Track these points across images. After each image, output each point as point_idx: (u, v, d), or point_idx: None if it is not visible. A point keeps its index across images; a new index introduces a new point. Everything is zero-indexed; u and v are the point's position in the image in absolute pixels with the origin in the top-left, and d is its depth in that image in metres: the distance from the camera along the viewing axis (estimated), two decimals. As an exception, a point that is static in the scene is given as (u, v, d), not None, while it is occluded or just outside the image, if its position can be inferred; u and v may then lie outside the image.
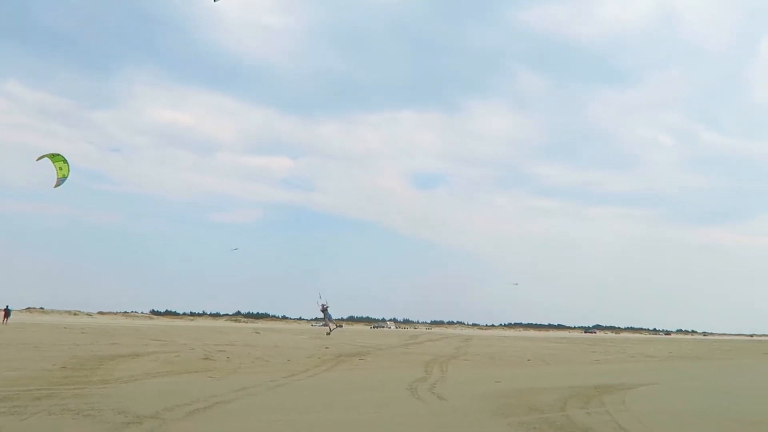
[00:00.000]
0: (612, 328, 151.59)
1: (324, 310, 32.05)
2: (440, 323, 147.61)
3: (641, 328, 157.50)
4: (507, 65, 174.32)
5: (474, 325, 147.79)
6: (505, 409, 9.55)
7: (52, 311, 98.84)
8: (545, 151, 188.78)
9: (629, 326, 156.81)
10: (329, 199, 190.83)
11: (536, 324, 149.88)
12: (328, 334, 35.01)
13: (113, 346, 20.11)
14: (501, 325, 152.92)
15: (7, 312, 46.22)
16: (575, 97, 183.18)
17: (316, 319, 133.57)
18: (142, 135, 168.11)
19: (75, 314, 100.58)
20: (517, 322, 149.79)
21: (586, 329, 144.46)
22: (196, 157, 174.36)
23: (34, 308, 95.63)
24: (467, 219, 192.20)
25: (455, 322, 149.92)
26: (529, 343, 42.16)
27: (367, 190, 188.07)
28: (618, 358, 26.90)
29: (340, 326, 32.28)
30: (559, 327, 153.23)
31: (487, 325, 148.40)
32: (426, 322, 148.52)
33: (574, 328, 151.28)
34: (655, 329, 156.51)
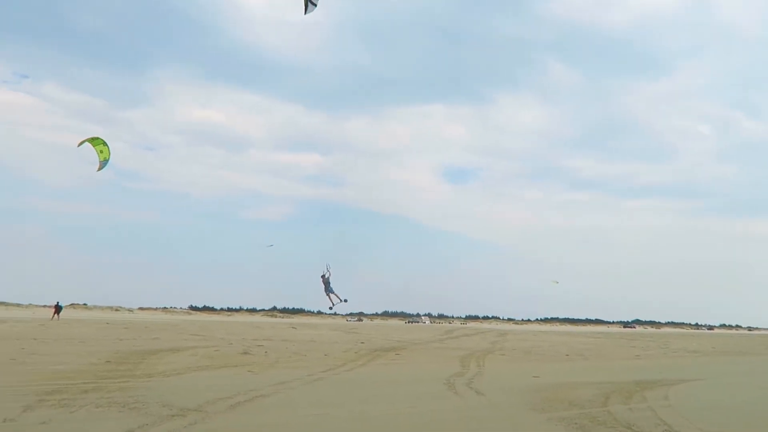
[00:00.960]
0: (652, 323, 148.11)
1: (326, 281, 30.50)
2: (475, 318, 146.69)
3: (683, 323, 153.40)
4: (536, 56, 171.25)
5: (509, 319, 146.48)
6: (544, 404, 9.44)
7: (95, 307, 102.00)
8: (578, 143, 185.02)
9: (670, 321, 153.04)
10: (359, 194, 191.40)
11: (573, 319, 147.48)
12: (331, 308, 33.42)
13: (154, 341, 20.61)
14: (537, 319, 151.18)
15: (57, 308, 47.91)
16: (607, 88, 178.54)
17: (350, 314, 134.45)
18: (174, 133, 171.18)
19: (116, 310, 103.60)
20: (554, 316, 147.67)
21: (626, 324, 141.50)
22: (227, 154, 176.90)
23: (77, 304, 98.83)
24: (500, 213, 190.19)
25: (490, 316, 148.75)
26: (567, 338, 41.53)
27: (397, 185, 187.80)
28: (659, 353, 26.29)
29: (345, 300, 30.44)
30: (597, 322, 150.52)
31: (522, 320, 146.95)
32: (461, 317, 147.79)
33: (613, 323, 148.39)
34: (697, 324, 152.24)
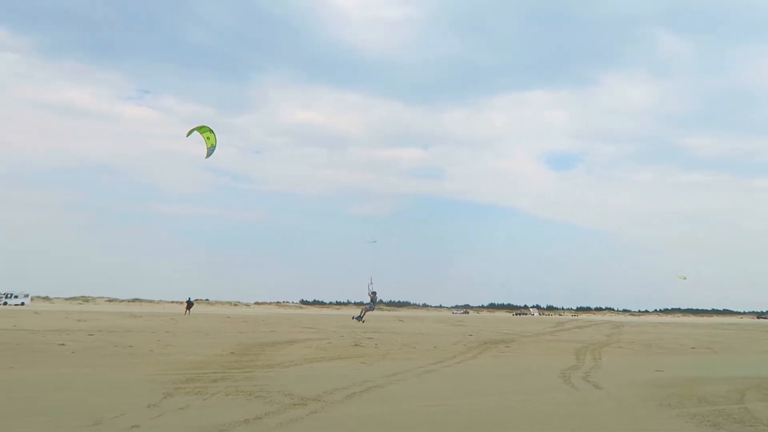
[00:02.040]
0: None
1: (373, 297, 29.86)
2: (587, 310, 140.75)
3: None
4: (643, 30, 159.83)
5: (625, 311, 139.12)
6: (671, 399, 8.89)
7: (216, 302, 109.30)
8: (694, 119, 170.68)
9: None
10: (461, 186, 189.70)
11: (697, 309, 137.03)
12: (356, 318, 30.02)
13: (271, 333, 21.73)
14: (655, 310, 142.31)
15: (189, 304, 51.94)
16: (726, 57, 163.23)
17: (456, 307, 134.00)
18: (279, 135, 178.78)
19: (235, 305, 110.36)
20: (675, 307, 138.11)
21: (759, 315, 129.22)
22: (330, 153, 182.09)
23: (200, 300, 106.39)
24: (608, 198, 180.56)
25: (603, 308, 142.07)
26: (691, 329, 38.74)
27: (498, 175, 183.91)
28: (802, 346, 23.82)
29: (363, 321, 29.70)
30: (725, 312, 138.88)
31: (639, 311, 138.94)
32: (571, 309, 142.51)
33: (744, 313, 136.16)
34: None
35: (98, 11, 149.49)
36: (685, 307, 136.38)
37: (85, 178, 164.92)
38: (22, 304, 79.36)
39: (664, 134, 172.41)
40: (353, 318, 29.73)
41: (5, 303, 78.21)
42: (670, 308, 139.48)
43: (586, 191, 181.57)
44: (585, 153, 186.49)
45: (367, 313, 29.83)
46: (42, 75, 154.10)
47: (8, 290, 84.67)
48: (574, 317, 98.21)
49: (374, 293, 29.67)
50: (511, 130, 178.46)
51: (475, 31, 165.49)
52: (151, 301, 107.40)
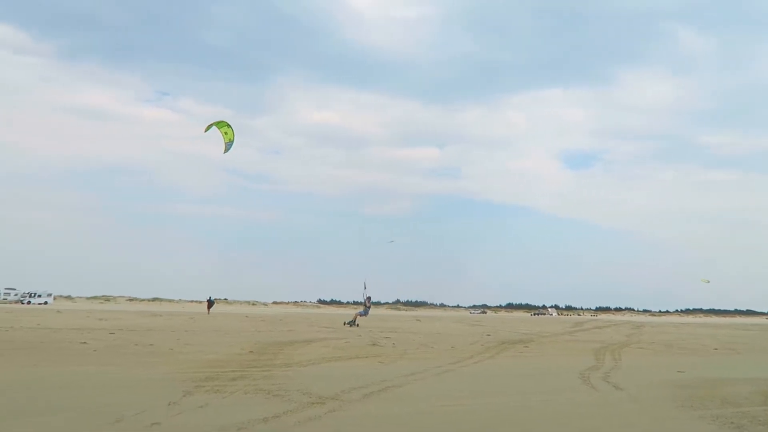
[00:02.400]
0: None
1: (367, 302, 29.46)
2: (606, 310, 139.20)
3: None
4: (663, 27, 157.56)
5: (645, 311, 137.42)
6: (693, 401, 8.76)
7: (234, 301, 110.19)
8: (716, 116, 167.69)
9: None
10: (477, 185, 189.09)
11: (719, 310, 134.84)
12: (348, 324, 28.48)
13: (289, 332, 21.84)
14: (676, 311, 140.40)
15: (210, 303, 52.45)
16: (746, 54, 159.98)
17: (474, 307, 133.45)
18: (296, 136, 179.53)
19: (253, 304, 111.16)
20: (696, 307, 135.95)
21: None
22: (347, 153, 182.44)
23: (218, 299, 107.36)
24: (628, 197, 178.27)
25: (623, 308, 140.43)
26: (713, 330, 38.14)
27: (516, 174, 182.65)
28: (828, 347, 23.32)
29: (357, 324, 28.41)
30: (749, 313, 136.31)
31: (660, 312, 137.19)
32: (590, 309, 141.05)
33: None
34: None
35: (116, 15, 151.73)
36: (707, 308, 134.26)
37: (106, 180, 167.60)
38: (45, 303, 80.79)
39: (685, 132, 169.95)
40: (345, 323, 28.43)
41: (29, 302, 79.65)
42: (691, 308, 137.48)
43: (605, 190, 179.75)
44: (603, 151, 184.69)
45: (362, 318, 29.12)
46: (63, 79, 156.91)
47: (32, 290, 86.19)
48: (593, 317, 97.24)
49: (369, 298, 29.38)
50: (528, 129, 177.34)
51: (491, 29, 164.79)
52: (170, 300, 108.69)
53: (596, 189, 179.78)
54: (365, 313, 29.53)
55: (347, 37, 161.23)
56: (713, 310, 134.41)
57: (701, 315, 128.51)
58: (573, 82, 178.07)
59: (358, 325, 27.95)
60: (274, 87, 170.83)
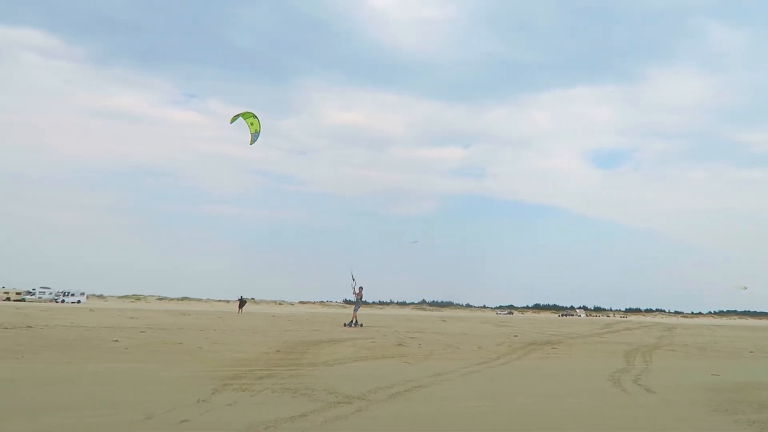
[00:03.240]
0: None
1: (359, 295, 27.61)
2: (636, 311, 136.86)
3: None
4: (693, 22, 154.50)
5: (677, 312, 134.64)
6: (728, 405, 8.54)
7: (261, 301, 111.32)
8: (749, 113, 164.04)
9: None
10: (504, 185, 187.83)
11: (755, 312, 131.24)
12: (348, 324, 26.64)
13: (315, 332, 21.95)
14: (710, 312, 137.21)
15: (242, 302, 53.00)
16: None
17: (500, 307, 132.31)
18: (321, 137, 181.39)
19: (280, 304, 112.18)
20: (730, 309, 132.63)
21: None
22: (371, 153, 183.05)
23: (247, 298, 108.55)
24: (658, 197, 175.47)
25: (654, 309, 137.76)
26: (749, 332, 37.17)
27: (543, 173, 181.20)
28: None
29: (361, 324, 26.43)
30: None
31: (692, 313, 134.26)
32: (620, 310, 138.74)
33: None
34: None
35: (144, 18, 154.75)
36: (742, 309, 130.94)
37: (136, 182, 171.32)
38: (79, 302, 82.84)
39: (717, 130, 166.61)
40: (345, 325, 26.80)
41: (63, 301, 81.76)
42: (725, 310, 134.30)
43: (635, 189, 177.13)
44: (633, 150, 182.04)
45: (357, 314, 27.45)
46: (93, 82, 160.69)
47: (66, 289, 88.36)
48: (623, 318, 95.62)
49: (361, 288, 28.07)
50: (554, 128, 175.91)
51: (516, 27, 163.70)
52: (199, 300, 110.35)
53: (625, 188, 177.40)
54: (358, 307, 28.13)
55: (371, 37, 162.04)
56: (748, 312, 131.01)
57: (735, 317, 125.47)
58: (600, 80, 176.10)
59: (361, 324, 26.51)
60: (300, 88, 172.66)
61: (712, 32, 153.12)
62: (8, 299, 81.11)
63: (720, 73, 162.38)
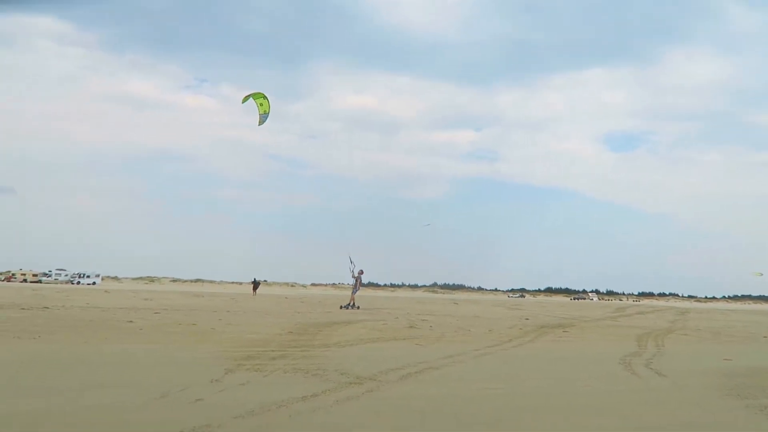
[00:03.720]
0: None
1: (358, 278, 27.56)
2: (649, 295, 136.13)
3: None
4: (711, 3, 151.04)
5: (690, 297, 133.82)
6: (740, 390, 8.49)
7: (274, 283, 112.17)
8: (766, 96, 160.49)
9: None
10: (516, 168, 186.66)
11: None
12: (345, 307, 26.42)
13: (327, 314, 22.10)
14: (724, 297, 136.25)
15: (255, 284, 53.36)
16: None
17: (512, 291, 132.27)
18: (332, 121, 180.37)
19: (292, 286, 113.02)
20: (745, 294, 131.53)
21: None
22: (382, 137, 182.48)
23: (260, 280, 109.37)
24: (673, 180, 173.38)
25: (667, 293, 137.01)
26: (763, 317, 36.83)
27: (555, 156, 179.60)
28: None
29: (357, 307, 26.21)
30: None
31: (706, 298, 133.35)
32: (632, 294, 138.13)
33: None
34: None
35: (155, 3, 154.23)
36: (757, 294, 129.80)
37: (149, 166, 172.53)
38: (94, 283, 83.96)
39: (734, 112, 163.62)
40: (341, 308, 26.43)
41: (78, 282, 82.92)
42: (739, 295, 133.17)
43: (649, 172, 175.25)
44: (647, 133, 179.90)
45: (354, 296, 27.47)
46: (106, 68, 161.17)
47: (81, 271, 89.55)
48: (635, 302, 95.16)
49: (361, 272, 27.91)
50: (567, 111, 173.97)
51: (529, 7, 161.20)
52: (212, 282, 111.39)
53: (639, 172, 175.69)
54: (356, 290, 28.04)
55: (382, 19, 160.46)
56: (763, 296, 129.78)
57: (750, 302, 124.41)
58: (615, 62, 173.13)
59: (358, 307, 26.32)
60: (311, 72, 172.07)
61: (730, 13, 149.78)
62: (25, 281, 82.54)
63: (738, 55, 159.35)
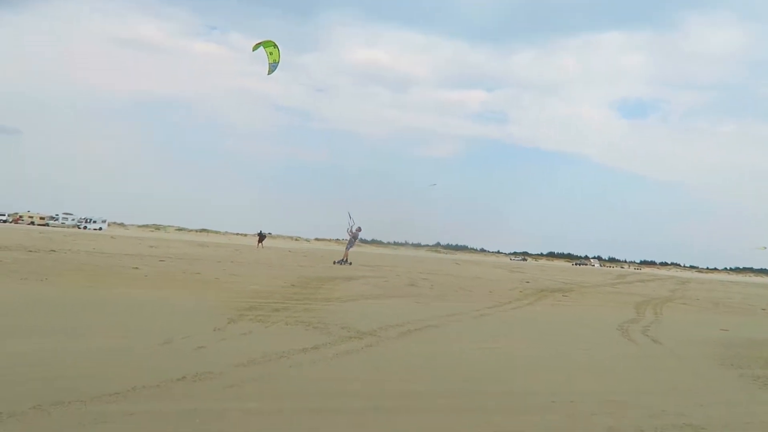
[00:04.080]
0: None
1: (355, 234, 27.55)
2: (651, 264, 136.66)
3: None
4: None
5: (692, 267, 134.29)
6: (735, 359, 8.59)
7: (277, 236, 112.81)
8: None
9: None
10: (525, 131, 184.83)
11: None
12: (339, 262, 26.44)
13: (330, 269, 22.31)
14: (725, 269, 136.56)
15: (261, 236, 53.62)
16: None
17: (514, 254, 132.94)
18: (342, 74, 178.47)
19: (296, 239, 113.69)
20: (747, 266, 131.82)
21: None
22: (393, 93, 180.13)
23: (265, 233, 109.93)
24: (684, 149, 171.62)
25: (669, 263, 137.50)
26: (763, 290, 37.05)
27: (566, 121, 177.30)
28: None
29: (350, 263, 26.27)
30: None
31: (708, 269, 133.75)
32: (634, 262, 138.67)
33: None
34: None
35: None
36: (758, 267, 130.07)
37: (156, 112, 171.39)
38: (100, 229, 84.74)
39: (751, 82, 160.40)
40: (335, 263, 26.37)
41: (85, 227, 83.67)
42: (741, 267, 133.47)
43: (660, 141, 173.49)
44: (661, 101, 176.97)
45: (348, 252, 27.30)
46: (115, 10, 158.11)
47: (88, 215, 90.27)
48: (636, 270, 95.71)
49: (359, 229, 27.82)
50: (582, 74, 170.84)
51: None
52: (217, 232, 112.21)
53: (651, 140, 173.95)
54: (350, 246, 28.12)
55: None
56: (765, 270, 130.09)
57: (751, 274, 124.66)
58: (633, 26, 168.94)
59: (350, 263, 26.25)
60: (322, 24, 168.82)
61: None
62: (32, 223, 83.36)
63: (757, 23, 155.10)
